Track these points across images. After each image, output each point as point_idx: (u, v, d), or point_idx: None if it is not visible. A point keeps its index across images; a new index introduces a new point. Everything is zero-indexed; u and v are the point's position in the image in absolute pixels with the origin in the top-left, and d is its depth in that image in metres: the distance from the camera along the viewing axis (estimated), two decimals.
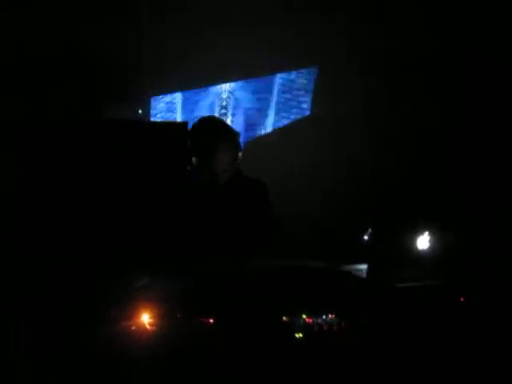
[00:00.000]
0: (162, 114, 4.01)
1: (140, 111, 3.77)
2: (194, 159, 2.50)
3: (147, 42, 3.67)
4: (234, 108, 4.22)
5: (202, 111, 4.04)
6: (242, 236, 2.46)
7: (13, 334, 1.57)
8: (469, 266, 2.08)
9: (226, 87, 4.17)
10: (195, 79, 3.95)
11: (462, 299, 1.97)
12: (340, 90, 4.10)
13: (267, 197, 2.68)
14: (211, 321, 1.77)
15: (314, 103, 4.33)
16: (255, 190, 2.65)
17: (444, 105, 4.02)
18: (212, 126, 2.57)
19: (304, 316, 1.78)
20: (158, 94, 3.92)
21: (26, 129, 1.83)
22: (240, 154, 2.56)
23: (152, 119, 3.84)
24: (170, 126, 1.94)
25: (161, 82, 3.82)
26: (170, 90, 3.96)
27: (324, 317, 1.79)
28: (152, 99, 3.89)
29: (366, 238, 2.06)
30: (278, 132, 4.38)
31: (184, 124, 1.86)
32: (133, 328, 1.70)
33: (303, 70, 4.30)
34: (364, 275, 1.98)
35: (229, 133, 2.56)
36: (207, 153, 2.47)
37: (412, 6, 3.97)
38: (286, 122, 4.37)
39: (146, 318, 1.72)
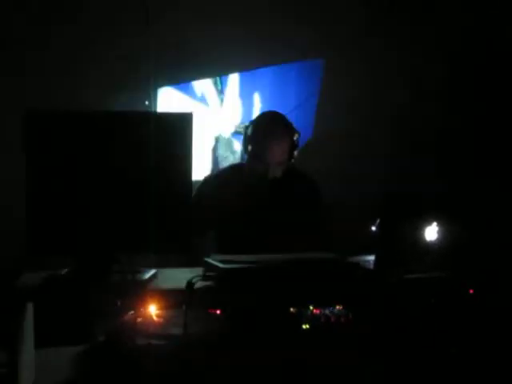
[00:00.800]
0: None
1: (147, 102, 3.76)
2: (249, 148, 2.49)
3: (152, 33, 3.66)
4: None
5: None
6: (294, 231, 2.48)
7: (21, 326, 1.57)
8: (478, 257, 2.06)
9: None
10: (201, 70, 3.93)
11: (470, 291, 1.96)
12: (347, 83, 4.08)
13: (319, 193, 2.72)
14: (218, 312, 1.77)
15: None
16: (306, 185, 2.70)
17: (456, 101, 3.99)
18: (274, 119, 2.61)
19: (311, 307, 1.77)
20: (164, 85, 3.91)
21: (28, 121, 1.82)
22: (296, 152, 2.54)
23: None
24: (176, 117, 1.92)
25: (166, 72, 3.81)
26: (176, 81, 3.95)
27: (331, 308, 1.78)
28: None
29: (374, 228, 2.05)
30: None
31: (190, 114, 1.84)
32: (139, 319, 1.70)
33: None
34: (371, 266, 1.97)
35: (289, 128, 2.56)
36: (264, 143, 2.48)
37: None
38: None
39: (152, 310, 1.73)
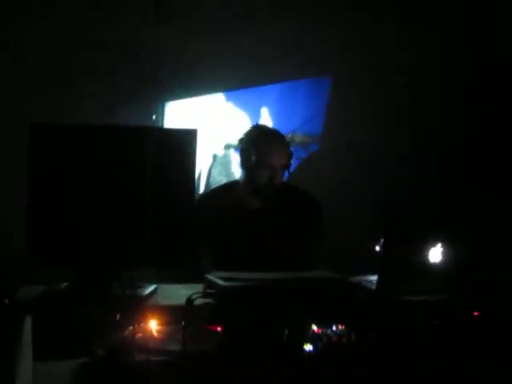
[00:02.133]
0: None
1: (154, 116, 3.78)
2: (253, 158, 2.51)
3: (161, 47, 3.68)
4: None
5: None
6: (291, 250, 2.46)
7: (19, 339, 1.56)
8: (482, 279, 2.04)
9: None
10: (209, 85, 3.95)
11: (475, 313, 1.94)
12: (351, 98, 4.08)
13: (320, 218, 2.67)
14: (218, 329, 1.76)
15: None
16: (307, 206, 2.67)
17: (464, 112, 3.98)
18: (270, 128, 2.71)
19: (313, 326, 1.76)
20: (173, 100, 3.92)
21: (33, 133, 1.83)
22: (291, 161, 2.57)
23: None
24: (180, 133, 1.93)
25: (175, 87, 3.83)
26: (184, 96, 3.96)
27: (334, 328, 1.77)
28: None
29: (377, 248, 2.04)
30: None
31: (194, 130, 1.84)
32: (139, 335, 1.69)
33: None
34: (374, 286, 1.95)
35: (282, 137, 2.61)
36: (268, 147, 2.52)
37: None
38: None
39: (152, 325, 1.72)
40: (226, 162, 4.17)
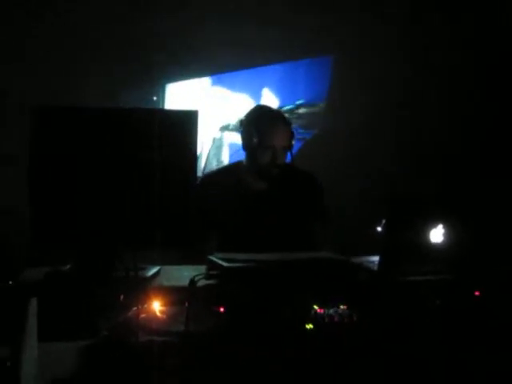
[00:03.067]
0: None
1: (155, 97, 3.76)
2: (254, 140, 2.50)
3: (161, 29, 3.66)
4: None
5: None
6: (294, 229, 2.47)
7: (24, 321, 1.57)
8: (483, 259, 2.05)
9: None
10: (209, 66, 3.93)
11: (476, 293, 1.94)
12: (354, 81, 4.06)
13: (322, 198, 2.68)
14: (221, 310, 1.77)
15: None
16: (310, 186, 2.68)
17: (461, 99, 3.97)
18: (271, 108, 2.70)
19: (315, 307, 1.77)
20: (173, 81, 3.91)
21: (34, 116, 1.83)
22: (293, 142, 2.57)
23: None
24: (181, 114, 1.92)
25: (175, 69, 3.81)
26: (185, 78, 3.94)
27: (335, 308, 1.78)
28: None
29: (379, 229, 2.04)
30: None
31: (195, 111, 1.84)
32: (142, 316, 1.70)
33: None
34: (376, 267, 1.96)
35: (283, 118, 2.61)
36: (270, 128, 2.51)
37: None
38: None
39: (156, 306, 1.73)
40: (220, 145, 4.16)
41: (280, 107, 4.11)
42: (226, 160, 4.14)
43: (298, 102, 4.18)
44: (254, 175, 2.58)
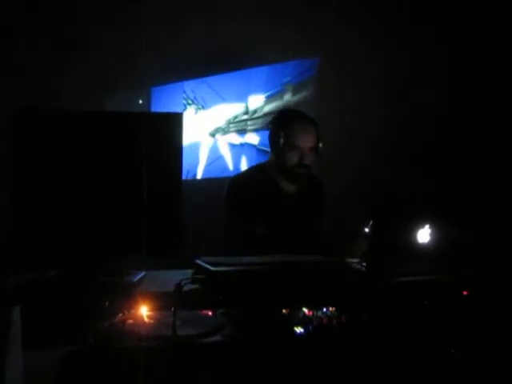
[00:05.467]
0: None
1: (140, 101, 3.75)
2: (281, 141, 2.52)
3: (147, 32, 3.64)
4: None
5: None
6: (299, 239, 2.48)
7: (9, 327, 1.55)
8: (471, 259, 2.05)
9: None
10: (195, 69, 3.92)
11: (464, 293, 1.95)
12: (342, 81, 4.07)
13: (323, 200, 2.76)
14: (209, 313, 1.76)
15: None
16: (315, 190, 2.75)
17: (453, 98, 3.98)
18: (297, 112, 2.70)
19: (304, 309, 1.76)
20: (159, 84, 3.90)
21: (18, 118, 1.81)
22: (320, 144, 2.60)
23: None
24: (166, 117, 1.91)
25: (161, 71, 3.80)
26: (171, 80, 3.93)
27: (324, 310, 1.78)
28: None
29: (366, 230, 2.04)
30: None
31: (180, 114, 1.83)
32: (129, 321, 1.69)
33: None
34: (363, 268, 1.96)
35: (310, 120, 2.62)
36: (299, 130, 2.54)
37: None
38: None
39: (143, 311, 1.71)
40: (215, 148, 4.17)
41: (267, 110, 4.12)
42: (229, 161, 4.16)
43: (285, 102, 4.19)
44: (283, 177, 2.61)
